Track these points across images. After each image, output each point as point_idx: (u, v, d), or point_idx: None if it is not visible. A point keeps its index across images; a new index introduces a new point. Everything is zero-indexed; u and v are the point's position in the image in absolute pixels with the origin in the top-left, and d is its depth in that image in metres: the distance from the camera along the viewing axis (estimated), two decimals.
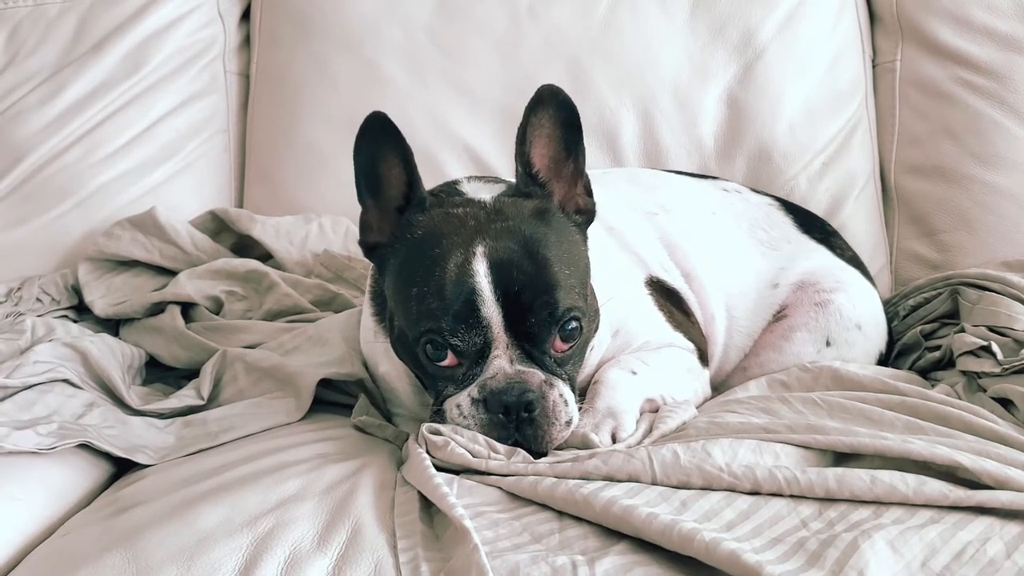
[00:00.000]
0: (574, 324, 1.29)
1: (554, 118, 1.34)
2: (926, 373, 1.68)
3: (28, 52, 2.30)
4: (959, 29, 2.18)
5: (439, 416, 1.32)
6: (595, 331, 1.40)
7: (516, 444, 1.27)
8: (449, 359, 1.28)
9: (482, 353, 1.27)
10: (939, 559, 0.99)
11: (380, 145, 1.33)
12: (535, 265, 1.27)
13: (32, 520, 1.28)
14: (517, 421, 1.26)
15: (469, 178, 1.50)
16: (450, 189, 1.44)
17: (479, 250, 1.26)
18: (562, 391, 1.28)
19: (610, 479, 1.15)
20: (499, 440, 1.26)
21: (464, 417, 1.28)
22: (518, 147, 1.36)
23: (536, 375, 1.27)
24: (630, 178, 1.83)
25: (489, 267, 1.25)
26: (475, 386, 1.27)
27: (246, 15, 2.46)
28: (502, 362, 1.27)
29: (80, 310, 2.04)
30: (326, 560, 1.04)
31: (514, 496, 1.16)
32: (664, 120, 2.20)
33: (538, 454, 1.26)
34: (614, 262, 1.56)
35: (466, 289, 1.24)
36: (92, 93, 2.28)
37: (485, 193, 1.38)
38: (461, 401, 1.28)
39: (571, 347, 1.31)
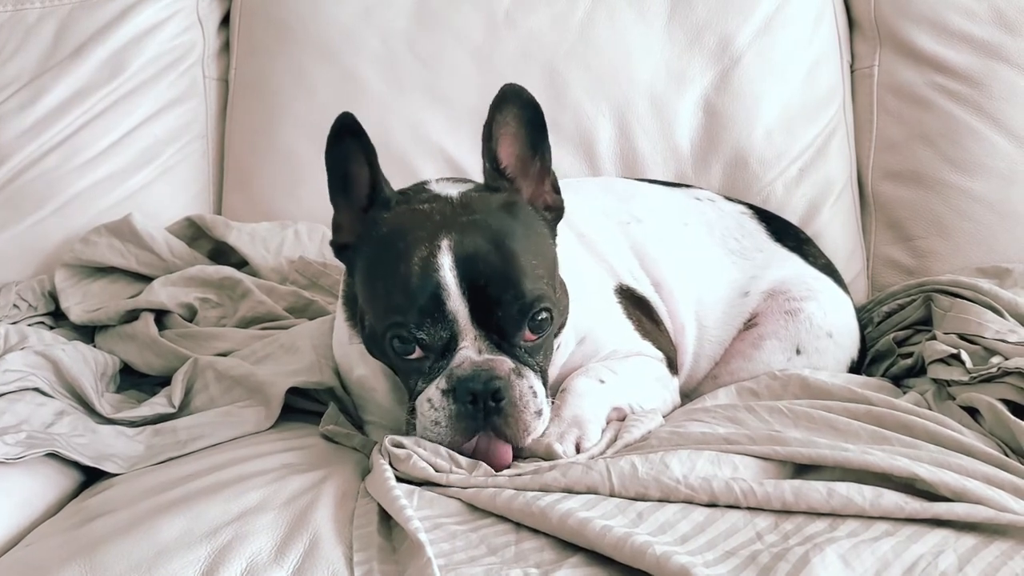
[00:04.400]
0: (544, 315, 1.29)
1: (518, 117, 1.35)
2: (899, 380, 1.68)
3: (7, 57, 2.30)
4: (936, 35, 2.18)
5: (414, 413, 1.31)
6: (563, 325, 1.40)
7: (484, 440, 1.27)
8: (416, 352, 1.29)
9: (449, 345, 1.27)
10: (891, 573, 0.99)
11: (349, 146, 1.34)
12: (502, 257, 1.27)
13: None
14: (485, 411, 1.25)
15: (439, 179, 1.50)
16: (418, 188, 1.45)
17: (444, 243, 1.26)
18: (532, 382, 1.28)
19: (569, 491, 1.15)
20: (467, 432, 1.26)
21: (434, 410, 1.27)
22: (484, 144, 1.37)
23: (505, 363, 1.27)
24: (603, 187, 1.84)
25: (455, 260, 1.25)
26: (442, 377, 1.27)
27: (225, 21, 2.46)
28: (469, 352, 1.27)
29: (57, 316, 2.04)
30: (282, 573, 1.04)
31: (473, 508, 1.17)
32: (641, 127, 2.20)
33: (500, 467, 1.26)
34: (584, 269, 1.56)
35: (431, 283, 1.25)
36: (71, 99, 2.28)
37: (453, 191, 1.39)
38: (431, 395, 1.28)
39: (540, 337, 1.31)
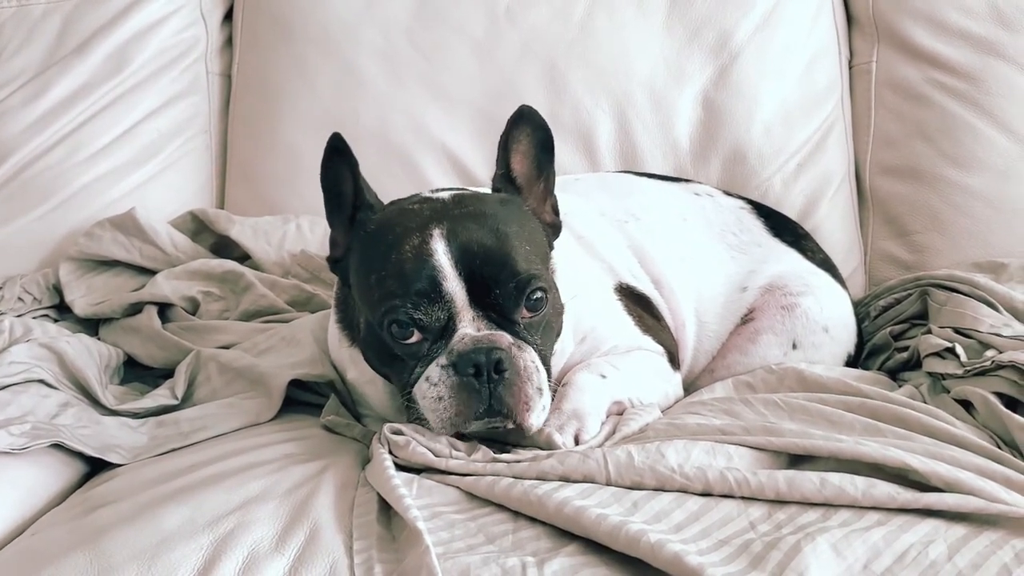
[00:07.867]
0: (539, 294, 1.30)
1: (531, 137, 1.40)
2: (895, 374, 1.69)
3: (12, 53, 2.32)
4: (934, 31, 2.18)
5: (412, 407, 1.31)
6: (559, 326, 1.41)
7: (489, 412, 1.25)
8: (415, 336, 1.29)
9: (447, 327, 1.28)
10: (881, 561, 1.00)
11: (339, 165, 1.37)
12: (496, 239, 1.29)
13: (3, 520, 1.30)
14: (489, 384, 1.24)
15: (433, 191, 1.52)
16: (409, 196, 1.47)
17: (436, 232, 1.28)
18: (533, 357, 1.29)
19: (566, 479, 1.17)
20: (472, 406, 1.25)
21: (434, 386, 1.26)
22: (500, 151, 1.41)
23: (504, 337, 1.28)
24: (601, 185, 1.84)
25: (448, 244, 1.27)
26: (443, 355, 1.27)
27: (228, 16, 2.48)
28: (468, 329, 1.28)
29: (61, 309, 2.06)
30: (283, 561, 1.06)
31: (472, 496, 1.18)
32: (640, 122, 2.21)
33: (503, 448, 1.27)
34: (583, 270, 1.58)
35: (427, 266, 1.26)
36: (75, 93, 2.30)
37: (445, 195, 1.42)
38: (430, 373, 1.27)
39: (537, 315, 1.32)
